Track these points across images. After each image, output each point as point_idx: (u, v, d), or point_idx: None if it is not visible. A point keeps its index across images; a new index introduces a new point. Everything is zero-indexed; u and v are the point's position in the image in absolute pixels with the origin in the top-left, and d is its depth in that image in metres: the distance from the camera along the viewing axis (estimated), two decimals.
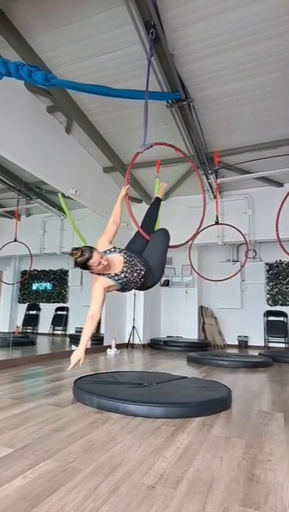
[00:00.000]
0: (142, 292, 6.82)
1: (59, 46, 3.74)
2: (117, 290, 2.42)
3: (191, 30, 3.43)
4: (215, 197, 6.00)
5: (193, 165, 3.72)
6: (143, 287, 2.52)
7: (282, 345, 7.16)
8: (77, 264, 2.26)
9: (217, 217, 5.45)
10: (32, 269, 6.25)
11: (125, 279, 2.33)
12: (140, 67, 3.85)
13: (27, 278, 6.70)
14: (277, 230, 4.18)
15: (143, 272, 2.40)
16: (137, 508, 1.12)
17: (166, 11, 3.23)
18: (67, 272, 6.84)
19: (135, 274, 2.37)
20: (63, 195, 5.06)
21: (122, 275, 2.31)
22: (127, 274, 2.33)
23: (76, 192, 5.11)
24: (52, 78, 3.35)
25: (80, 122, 4.87)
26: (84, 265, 2.24)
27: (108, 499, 1.17)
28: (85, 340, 2.22)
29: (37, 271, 6.91)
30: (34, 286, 6.96)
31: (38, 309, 6.85)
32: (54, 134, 4.80)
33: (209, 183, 5.99)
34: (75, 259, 2.25)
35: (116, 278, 2.31)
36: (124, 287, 2.38)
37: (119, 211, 2.69)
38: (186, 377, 3.29)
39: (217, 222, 5.41)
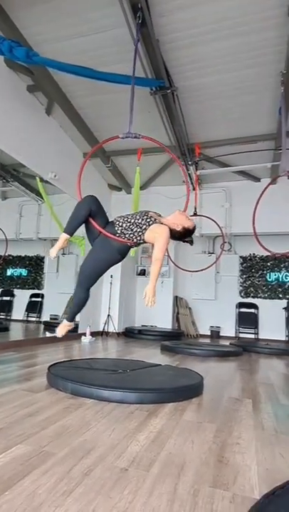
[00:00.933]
0: (118, 281, 6.82)
1: (43, 23, 3.60)
2: None
3: (178, 17, 3.39)
4: (194, 188, 6.04)
5: (178, 161, 3.66)
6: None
7: (252, 335, 7.40)
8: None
9: (195, 209, 5.50)
10: (7, 254, 6.09)
11: None
12: (124, 51, 3.77)
13: (1, 263, 6.53)
14: (253, 224, 4.28)
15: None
16: (110, 490, 1.14)
17: None
18: (43, 258, 6.72)
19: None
20: (42, 179, 4.93)
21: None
22: None
23: (55, 176, 4.99)
24: (34, 55, 3.24)
25: (62, 104, 4.73)
26: None
27: (81, 482, 1.18)
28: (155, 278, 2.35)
29: (12, 256, 6.74)
30: (9, 272, 6.80)
31: (12, 295, 6.71)
32: (34, 115, 4.64)
33: (189, 174, 6.01)
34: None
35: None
36: None
37: None
38: (160, 364, 3.34)
39: (195, 214, 5.46)
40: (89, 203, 2.33)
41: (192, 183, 6.25)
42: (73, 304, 2.64)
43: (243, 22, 3.40)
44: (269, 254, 4.48)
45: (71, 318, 2.65)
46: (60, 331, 2.61)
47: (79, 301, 2.57)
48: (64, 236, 2.32)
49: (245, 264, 7.77)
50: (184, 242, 2.49)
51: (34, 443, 1.46)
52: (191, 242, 2.52)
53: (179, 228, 2.37)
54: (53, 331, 5.64)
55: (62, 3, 3.35)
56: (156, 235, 2.27)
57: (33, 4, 3.39)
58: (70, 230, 2.32)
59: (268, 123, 4.91)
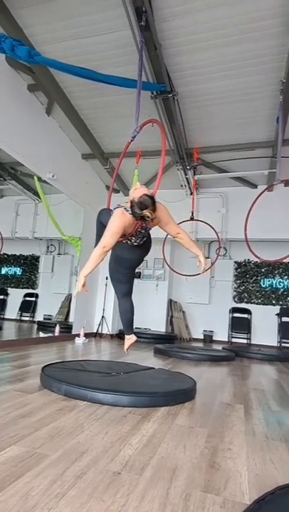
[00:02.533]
0: None
1: (45, 22, 3.61)
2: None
3: (181, 22, 3.42)
4: (192, 193, 6.07)
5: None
6: None
7: (245, 340, 7.44)
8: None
9: (192, 213, 5.54)
10: (2, 252, 6.07)
11: None
12: (126, 53, 3.79)
13: None
14: (245, 230, 4.33)
15: None
16: (102, 493, 1.15)
17: None
18: (38, 257, 6.70)
19: None
20: (39, 178, 4.93)
21: None
22: None
23: (53, 176, 4.99)
24: (35, 55, 3.25)
25: (62, 104, 4.73)
26: None
27: (74, 484, 1.18)
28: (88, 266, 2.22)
29: (7, 255, 6.71)
30: (3, 271, 6.76)
31: (6, 294, 6.67)
32: (34, 114, 4.64)
33: (187, 178, 6.04)
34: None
35: None
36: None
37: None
38: (153, 368, 3.35)
39: (192, 218, 5.50)
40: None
41: (190, 188, 6.29)
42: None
43: (245, 30, 3.44)
44: (258, 260, 4.54)
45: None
46: (128, 346, 2.84)
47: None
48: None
49: (239, 270, 7.81)
50: (141, 220, 2.19)
51: (27, 444, 1.46)
52: (146, 218, 2.16)
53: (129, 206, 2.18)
54: (47, 331, 5.64)
55: (66, 4, 3.36)
56: None
57: (37, 3, 3.39)
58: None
59: (266, 131, 4.96)
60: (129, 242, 2.38)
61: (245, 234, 4.35)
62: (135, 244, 2.40)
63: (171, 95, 4.13)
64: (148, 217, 2.14)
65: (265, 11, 3.23)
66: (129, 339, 2.83)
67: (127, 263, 2.54)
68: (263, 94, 4.29)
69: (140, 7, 3.08)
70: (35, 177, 4.87)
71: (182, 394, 2.42)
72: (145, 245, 2.46)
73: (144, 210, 2.13)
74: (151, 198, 2.18)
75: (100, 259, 2.27)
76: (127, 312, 2.76)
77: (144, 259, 2.35)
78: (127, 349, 2.87)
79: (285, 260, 4.33)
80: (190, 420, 2.02)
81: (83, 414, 1.94)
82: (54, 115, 5.03)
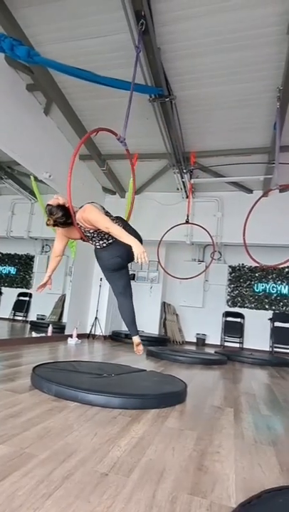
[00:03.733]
0: (107, 284, 6.81)
1: (45, 23, 3.62)
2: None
3: (180, 27, 3.45)
4: (187, 196, 6.10)
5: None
6: None
7: (237, 345, 7.47)
8: None
9: (188, 217, 5.56)
10: None
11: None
12: (125, 56, 3.81)
13: None
14: (244, 235, 4.35)
15: None
16: (89, 494, 1.15)
17: (158, 3, 3.22)
18: (33, 257, 6.67)
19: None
20: (36, 178, 4.92)
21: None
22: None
23: (50, 176, 4.99)
24: (35, 55, 3.25)
25: (60, 105, 4.74)
26: None
27: (61, 485, 1.18)
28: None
29: (1, 254, 6.68)
30: None
31: (0, 293, 6.64)
32: (32, 114, 4.63)
33: (183, 181, 6.07)
34: None
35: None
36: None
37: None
38: (145, 370, 3.35)
39: (187, 222, 5.52)
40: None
41: (186, 191, 6.31)
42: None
43: (243, 37, 3.48)
44: (258, 265, 4.56)
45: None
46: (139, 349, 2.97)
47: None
48: None
49: (233, 274, 7.85)
50: (64, 225, 2.35)
51: (15, 444, 1.46)
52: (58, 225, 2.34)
53: None
54: (39, 331, 5.61)
55: (67, 5, 3.37)
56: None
57: (37, 4, 3.40)
58: None
59: (263, 137, 5.01)
60: (94, 245, 2.52)
61: (244, 239, 4.36)
62: (99, 247, 2.50)
63: (168, 99, 4.15)
64: (49, 224, 2.32)
65: (262, 18, 3.27)
66: (134, 341, 2.95)
67: (104, 265, 2.62)
68: (259, 101, 4.34)
69: (140, 11, 3.11)
70: (31, 176, 4.87)
71: (173, 396, 2.43)
72: (114, 247, 2.45)
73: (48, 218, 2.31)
74: (48, 205, 2.33)
75: (54, 263, 2.68)
76: (122, 313, 2.80)
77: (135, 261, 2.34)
78: (140, 350, 2.97)
79: (284, 265, 4.36)
80: (180, 423, 2.03)
81: (73, 415, 1.94)
82: (52, 115, 5.03)
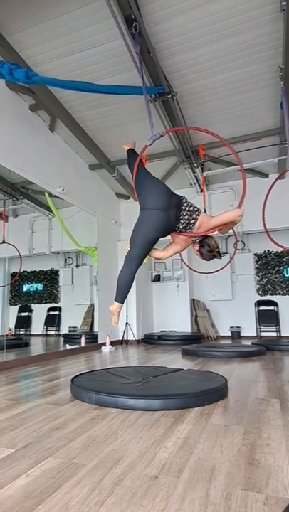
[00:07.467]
0: (134, 288, 6.83)
1: (39, 43, 3.70)
2: None
3: (171, 23, 3.43)
4: (202, 190, 6.03)
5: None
6: None
7: (274, 333, 7.27)
8: None
9: (205, 210, 5.48)
10: (22, 270, 6.19)
11: None
12: (121, 62, 3.83)
13: (17, 279, 6.63)
14: (263, 220, 4.25)
15: None
16: (141, 498, 1.14)
17: (146, 4, 3.22)
18: (57, 271, 6.79)
19: None
20: (50, 194, 5.02)
21: None
22: None
23: (63, 190, 5.07)
24: (33, 76, 3.32)
25: (64, 120, 4.82)
26: None
27: (113, 491, 1.18)
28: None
29: (27, 272, 6.85)
30: (25, 288, 6.89)
31: (30, 311, 6.79)
32: (38, 133, 4.74)
33: (196, 176, 6.01)
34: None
35: None
36: None
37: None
38: (182, 369, 3.31)
39: None
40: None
41: (199, 185, 6.25)
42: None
43: (237, 22, 3.41)
44: (283, 249, 4.43)
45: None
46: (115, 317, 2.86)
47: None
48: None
49: (260, 262, 7.67)
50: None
51: (63, 455, 1.47)
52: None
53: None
54: (73, 343, 5.69)
55: (56, 23, 3.44)
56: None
57: (28, 26, 3.48)
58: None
59: (271, 118, 4.89)
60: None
61: (264, 224, 4.26)
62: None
63: (170, 96, 4.13)
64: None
65: (251, 1, 3.20)
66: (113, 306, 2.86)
67: (160, 228, 2.69)
68: (263, 83, 4.24)
69: (129, 15, 3.12)
70: (45, 193, 4.97)
71: (214, 393, 2.38)
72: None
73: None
74: (215, 248, 3.03)
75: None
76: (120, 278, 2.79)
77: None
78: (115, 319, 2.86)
79: None
80: (224, 418, 1.98)
81: (116, 421, 1.94)
82: (58, 131, 5.13)
